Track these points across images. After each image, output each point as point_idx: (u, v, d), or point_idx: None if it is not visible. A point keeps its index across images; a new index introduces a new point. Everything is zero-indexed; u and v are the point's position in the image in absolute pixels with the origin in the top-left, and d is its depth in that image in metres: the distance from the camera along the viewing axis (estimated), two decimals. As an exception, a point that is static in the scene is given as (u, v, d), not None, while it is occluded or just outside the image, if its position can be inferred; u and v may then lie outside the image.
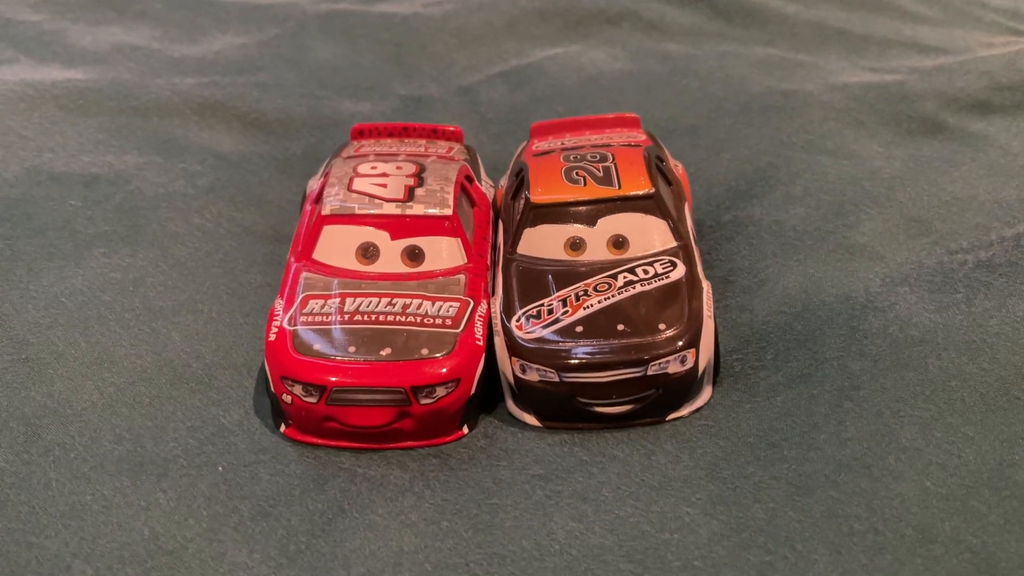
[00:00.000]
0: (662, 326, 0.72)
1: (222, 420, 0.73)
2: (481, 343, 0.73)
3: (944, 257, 0.84)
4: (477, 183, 0.87)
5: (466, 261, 0.79)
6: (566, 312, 0.73)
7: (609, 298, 0.74)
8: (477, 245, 0.81)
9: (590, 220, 0.79)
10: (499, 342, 0.74)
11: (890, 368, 0.72)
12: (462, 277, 0.77)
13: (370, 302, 0.74)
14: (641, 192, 0.80)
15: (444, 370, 0.70)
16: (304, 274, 0.77)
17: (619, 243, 0.78)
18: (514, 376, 0.73)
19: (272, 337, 0.72)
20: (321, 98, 1.15)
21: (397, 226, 0.79)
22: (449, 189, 0.81)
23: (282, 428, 0.72)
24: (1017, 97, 1.10)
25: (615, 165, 0.83)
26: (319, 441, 0.72)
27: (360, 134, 0.94)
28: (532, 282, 0.76)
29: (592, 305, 0.74)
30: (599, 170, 0.82)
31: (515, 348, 0.72)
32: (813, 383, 0.73)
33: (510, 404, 0.75)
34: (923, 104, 1.09)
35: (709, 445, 0.70)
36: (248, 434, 0.72)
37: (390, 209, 0.79)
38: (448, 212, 0.79)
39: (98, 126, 1.06)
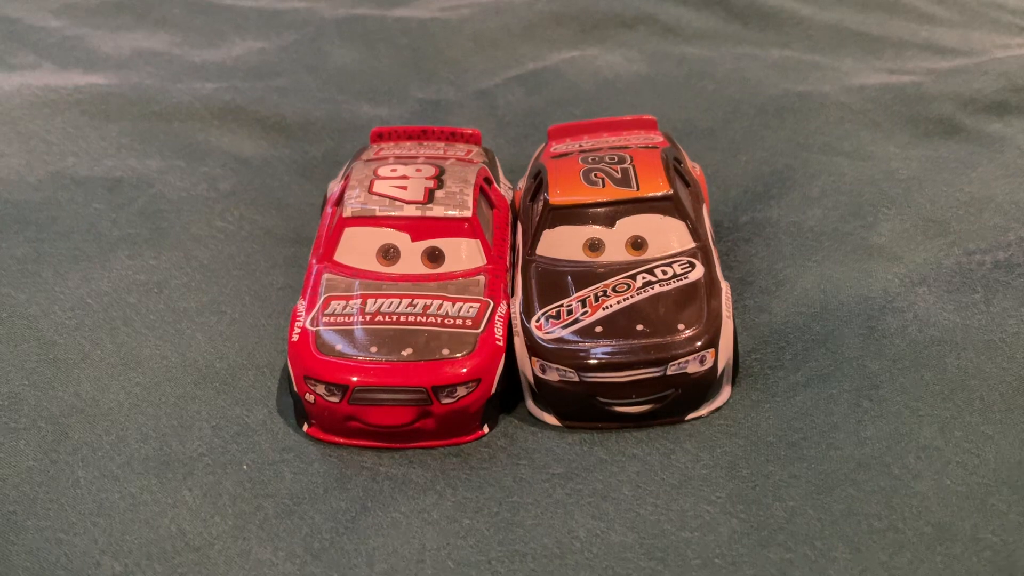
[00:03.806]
0: (681, 326, 0.72)
1: (246, 419, 0.74)
2: (501, 343, 0.73)
3: (962, 258, 0.84)
4: (496, 185, 0.88)
5: (486, 262, 0.79)
6: (585, 313, 0.74)
7: (628, 299, 0.74)
8: (496, 246, 0.81)
9: (608, 221, 0.80)
10: (519, 342, 0.74)
11: (909, 368, 0.73)
12: (482, 278, 0.78)
13: (391, 303, 0.75)
14: (659, 193, 0.80)
15: (465, 370, 0.71)
16: (326, 275, 0.78)
17: (638, 244, 0.79)
18: (534, 376, 0.73)
19: (295, 337, 0.73)
20: (340, 102, 1.16)
21: (417, 228, 0.79)
22: (468, 191, 0.82)
23: (305, 427, 0.73)
24: (1034, 98, 1.10)
25: (633, 167, 0.83)
26: (342, 440, 0.72)
27: (379, 137, 0.95)
28: (551, 283, 0.77)
29: (611, 306, 0.74)
30: (617, 172, 0.83)
31: (535, 348, 0.73)
32: (832, 383, 0.74)
33: (530, 404, 0.75)
34: (940, 105, 1.09)
35: (728, 444, 0.71)
36: (272, 433, 0.73)
37: (410, 211, 0.80)
38: (467, 214, 0.80)
39: (120, 131, 1.07)
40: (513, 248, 0.84)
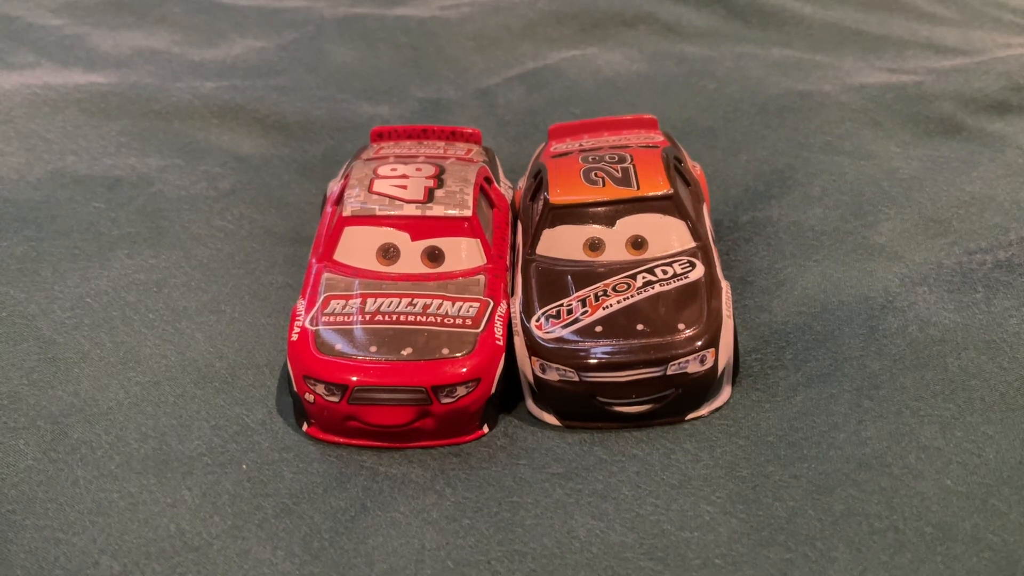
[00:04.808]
0: (681, 326, 0.72)
1: (246, 419, 0.74)
2: (501, 343, 0.73)
3: (963, 257, 0.84)
4: (496, 184, 0.88)
5: (485, 262, 0.79)
6: (585, 312, 0.74)
7: (628, 298, 0.74)
8: (496, 246, 0.81)
9: (609, 221, 0.79)
10: (519, 342, 0.74)
11: (909, 367, 0.73)
12: (482, 277, 0.78)
13: (391, 302, 0.75)
14: (660, 193, 0.80)
15: (464, 370, 0.71)
16: (325, 275, 0.78)
17: (638, 243, 0.79)
18: (534, 376, 0.73)
19: (295, 337, 0.73)
20: (340, 101, 1.16)
21: (417, 227, 0.79)
22: (468, 190, 0.82)
23: (305, 427, 0.73)
24: (1035, 97, 1.10)
25: (633, 166, 0.83)
26: (341, 440, 0.72)
27: (379, 136, 0.95)
28: (551, 282, 0.77)
29: (611, 305, 0.74)
30: (617, 171, 0.83)
31: (535, 348, 0.73)
32: (832, 383, 0.73)
33: (530, 403, 0.75)
34: (941, 104, 1.09)
35: (729, 444, 0.71)
36: (271, 433, 0.73)
37: (410, 210, 0.80)
38: (467, 213, 0.80)
39: (120, 129, 1.07)
40: (513, 247, 0.83)
